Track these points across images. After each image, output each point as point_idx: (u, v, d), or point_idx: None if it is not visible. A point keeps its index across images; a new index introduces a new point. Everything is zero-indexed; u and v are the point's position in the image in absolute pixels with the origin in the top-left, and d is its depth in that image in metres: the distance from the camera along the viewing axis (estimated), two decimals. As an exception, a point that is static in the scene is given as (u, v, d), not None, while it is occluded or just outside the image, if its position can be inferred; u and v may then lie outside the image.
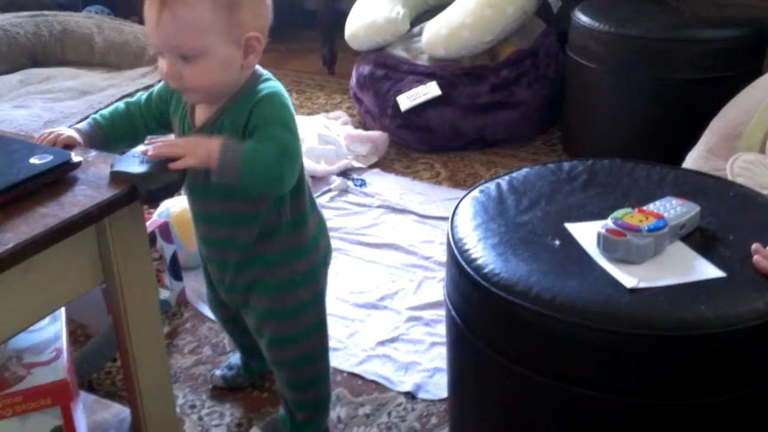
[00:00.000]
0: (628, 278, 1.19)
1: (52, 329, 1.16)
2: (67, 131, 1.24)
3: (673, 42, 2.35)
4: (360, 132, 2.73)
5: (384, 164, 2.63)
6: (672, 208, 1.31)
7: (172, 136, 1.35)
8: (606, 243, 1.24)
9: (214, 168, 1.13)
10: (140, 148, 1.15)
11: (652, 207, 1.30)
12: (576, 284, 1.19)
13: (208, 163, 1.13)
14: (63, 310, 1.20)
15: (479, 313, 1.26)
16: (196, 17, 1.11)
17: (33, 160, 1.09)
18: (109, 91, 2.67)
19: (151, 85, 2.68)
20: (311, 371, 1.43)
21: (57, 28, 3.02)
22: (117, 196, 1.08)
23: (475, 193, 1.46)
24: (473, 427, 1.37)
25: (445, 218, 2.20)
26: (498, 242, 1.30)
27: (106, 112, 1.32)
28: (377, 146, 2.67)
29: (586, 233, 1.30)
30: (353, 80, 2.95)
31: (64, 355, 1.11)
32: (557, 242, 1.29)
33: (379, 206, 2.37)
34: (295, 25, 3.82)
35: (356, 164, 2.59)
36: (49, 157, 1.10)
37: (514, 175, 1.51)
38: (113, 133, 1.29)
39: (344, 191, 2.44)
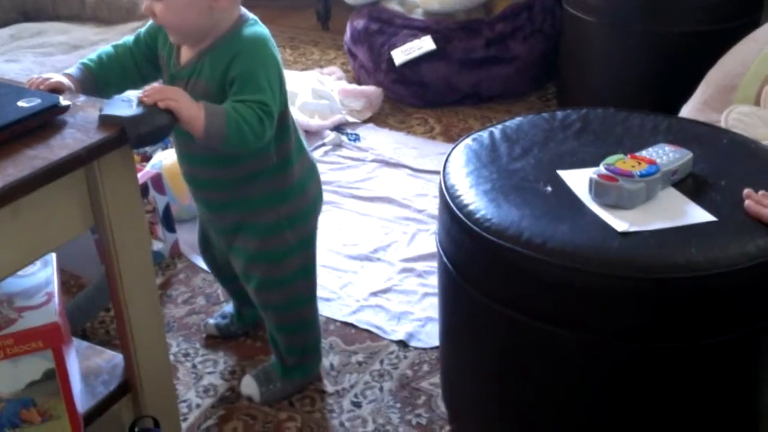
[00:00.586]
0: (619, 222, 1.19)
1: (43, 274, 1.15)
2: (57, 76, 1.23)
3: (671, -6, 2.33)
4: (354, 87, 2.71)
5: (378, 119, 2.61)
6: (665, 155, 1.30)
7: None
8: (598, 188, 1.24)
9: (200, 135, 1.14)
10: (130, 92, 1.15)
11: (644, 153, 1.30)
12: (567, 229, 1.19)
13: (192, 128, 1.13)
14: (54, 256, 1.20)
15: (471, 258, 1.27)
16: None
17: (21, 103, 1.08)
18: (100, 46, 2.61)
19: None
20: (297, 316, 1.45)
21: (47, -18, 2.97)
22: (106, 139, 1.07)
23: (468, 141, 1.45)
24: (465, 373, 1.38)
25: (438, 172, 2.19)
26: (490, 188, 1.30)
27: (94, 55, 1.32)
28: (371, 101, 2.66)
29: (578, 180, 1.30)
30: (347, 35, 2.92)
31: (56, 299, 1.11)
32: (549, 188, 1.29)
33: (372, 160, 2.36)
34: (288, -20, 3.77)
35: (350, 119, 2.58)
36: (37, 101, 1.09)
37: (507, 123, 1.50)
38: (104, 77, 1.29)
39: (338, 146, 2.43)
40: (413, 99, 2.72)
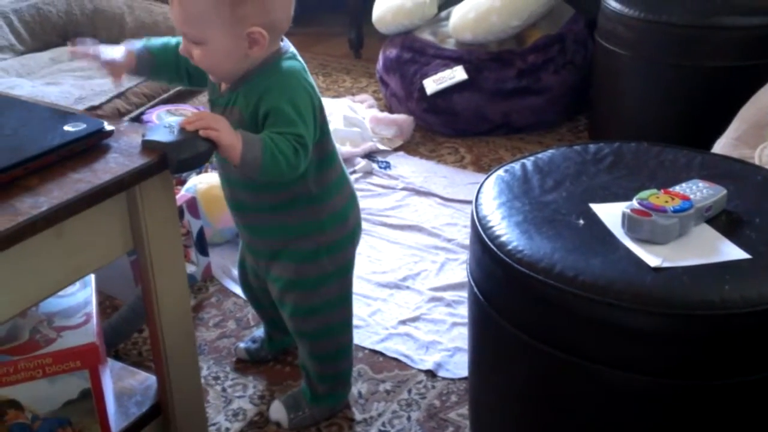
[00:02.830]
0: (652, 258, 1.19)
1: (82, 295, 1.18)
2: (115, 52, 1.31)
3: (704, 29, 2.32)
4: (385, 115, 2.74)
5: (409, 147, 2.63)
6: (698, 191, 1.30)
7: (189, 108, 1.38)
8: (631, 223, 1.24)
9: (236, 163, 1.17)
10: (172, 119, 1.18)
11: (678, 189, 1.30)
12: (599, 263, 1.19)
13: (230, 156, 1.15)
14: (93, 277, 1.22)
15: (502, 290, 1.27)
16: (198, 11, 1.17)
17: (67, 128, 1.11)
18: (138, 70, 2.70)
19: (180, 65, 2.72)
20: (333, 344, 1.45)
21: (88, 8, 3.05)
22: (148, 164, 1.10)
23: (500, 172, 1.46)
24: (493, 405, 1.38)
25: (468, 202, 2.20)
26: (522, 220, 1.30)
27: (158, 42, 1.36)
28: (402, 129, 2.68)
29: (610, 214, 1.30)
30: (380, 63, 2.95)
31: (94, 320, 1.13)
32: (581, 222, 1.29)
33: (403, 188, 2.38)
34: (322, 8, 3.83)
35: (381, 147, 2.60)
36: (82, 125, 1.12)
37: (539, 155, 1.51)
38: (160, 65, 1.34)
39: (369, 173, 2.45)
40: (444, 128, 2.74)
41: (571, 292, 1.15)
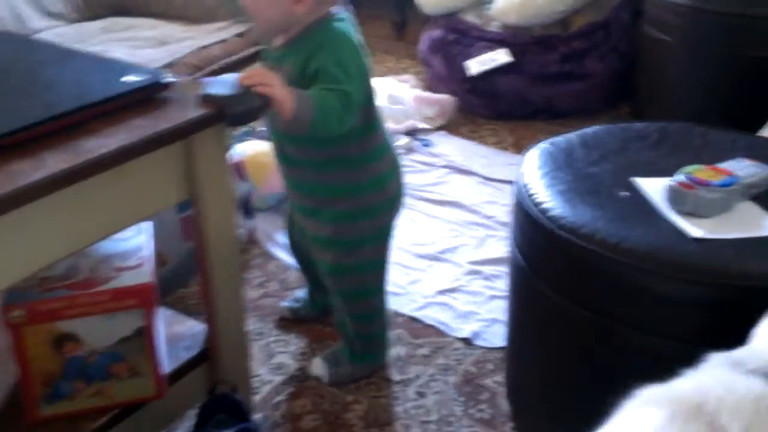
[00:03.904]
0: (694, 229, 1.20)
1: (139, 240, 1.22)
2: None
3: (752, 18, 2.31)
4: (428, 94, 2.76)
5: (450, 127, 2.66)
6: (743, 168, 1.31)
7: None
8: (675, 195, 1.25)
9: (288, 117, 1.21)
10: (229, 74, 1.22)
11: (723, 165, 1.31)
12: (641, 232, 1.20)
13: (282, 111, 1.19)
14: (151, 225, 1.27)
15: (543, 255, 1.29)
16: None
17: (128, 78, 1.15)
18: (186, 43, 2.75)
19: (226, 39, 2.76)
20: (365, 305, 1.50)
21: (141, -21, 3.11)
22: (205, 115, 1.14)
23: (545, 144, 1.48)
24: (530, 371, 1.40)
25: (508, 182, 2.22)
26: (565, 189, 1.32)
27: None
28: (444, 109, 2.70)
29: (654, 187, 1.31)
30: (423, 44, 2.97)
31: (150, 263, 1.18)
32: (625, 193, 1.31)
33: (443, 166, 2.40)
34: (368, -10, 3.86)
35: (423, 125, 2.62)
36: (144, 76, 1.16)
37: (584, 131, 1.53)
38: None
39: (410, 150, 2.48)
40: (485, 110, 2.76)
41: (612, 258, 1.17)
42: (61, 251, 1.04)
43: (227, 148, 1.25)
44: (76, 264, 1.15)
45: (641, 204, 1.28)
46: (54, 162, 0.97)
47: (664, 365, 1.20)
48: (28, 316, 1.09)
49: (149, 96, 1.16)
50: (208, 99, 1.16)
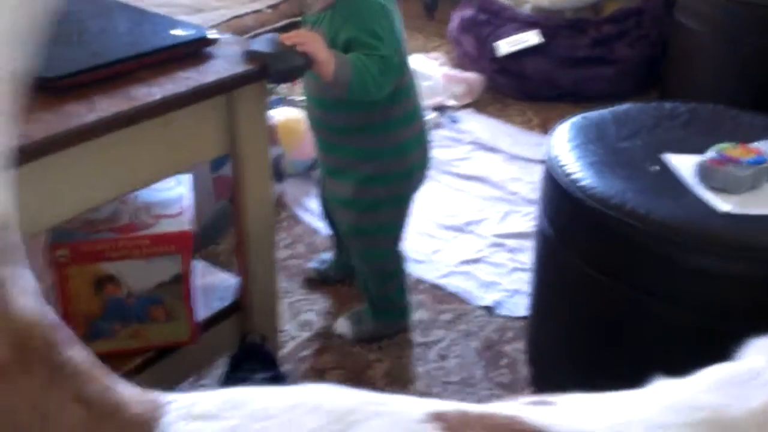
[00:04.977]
0: (723, 203, 1.22)
1: (178, 191, 1.26)
2: None
3: (787, 8, 2.31)
4: (457, 72, 2.78)
5: (477, 106, 2.67)
6: (774, 148, 1.32)
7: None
8: (705, 171, 1.27)
9: (328, 78, 1.23)
10: (273, 34, 1.24)
11: (754, 145, 1.32)
12: (671, 205, 1.22)
13: (322, 72, 1.22)
14: (190, 177, 1.30)
15: (572, 224, 1.31)
16: None
17: (176, 32, 1.18)
18: (220, 11, 2.78)
19: (260, 10, 2.79)
20: (380, 267, 1.54)
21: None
22: (249, 71, 1.17)
23: (577, 118, 1.50)
24: (552, 339, 1.43)
25: (534, 160, 2.24)
26: (596, 161, 1.34)
27: None
28: (472, 88, 2.71)
29: (684, 164, 1.33)
30: (454, 23, 2.98)
31: (189, 212, 1.21)
32: (655, 168, 1.33)
33: (470, 142, 2.42)
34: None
35: (451, 102, 2.64)
36: (190, 30, 1.19)
37: (616, 108, 1.54)
38: None
39: (437, 125, 2.50)
40: (514, 91, 2.77)
41: (641, 229, 1.19)
42: (109, 194, 1.07)
43: (267, 107, 1.28)
44: (118, 209, 1.19)
45: (671, 179, 1.30)
46: (106, 106, 1.01)
47: (689, 336, 1.23)
48: (73, 256, 1.13)
49: (196, 50, 1.19)
50: (251, 55, 1.19)
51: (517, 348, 1.57)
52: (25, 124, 0.94)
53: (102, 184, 1.05)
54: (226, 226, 1.79)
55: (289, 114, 2.06)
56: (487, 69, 2.78)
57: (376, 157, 1.44)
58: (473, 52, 2.85)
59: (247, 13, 2.76)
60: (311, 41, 1.23)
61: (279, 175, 1.96)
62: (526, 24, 2.75)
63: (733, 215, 1.20)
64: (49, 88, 1.00)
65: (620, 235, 1.22)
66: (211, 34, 1.22)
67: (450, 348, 1.57)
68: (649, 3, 2.81)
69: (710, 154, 1.28)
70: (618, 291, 1.25)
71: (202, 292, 1.30)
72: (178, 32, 1.19)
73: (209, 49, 1.21)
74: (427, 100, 2.57)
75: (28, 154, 0.91)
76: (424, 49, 3.15)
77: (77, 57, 1.07)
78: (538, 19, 2.75)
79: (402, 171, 1.47)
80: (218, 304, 1.31)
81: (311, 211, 1.97)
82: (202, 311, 1.27)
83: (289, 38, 1.22)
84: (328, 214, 1.64)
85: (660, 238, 1.18)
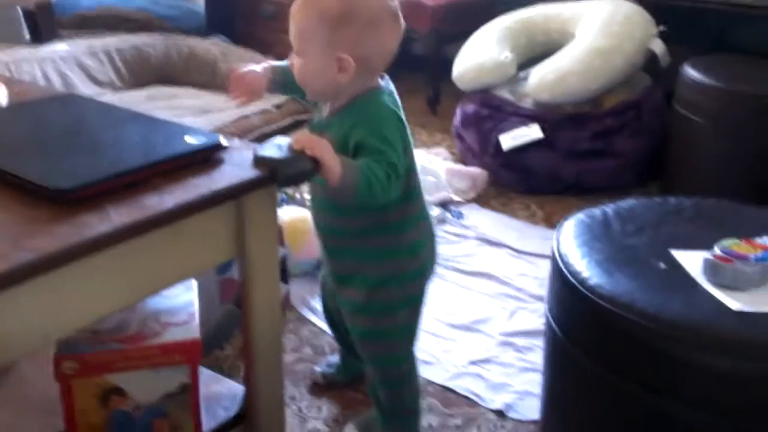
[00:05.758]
0: (733, 302, 1.21)
1: (186, 297, 1.25)
2: (258, 69, 1.45)
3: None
4: (460, 167, 2.81)
5: (481, 200, 2.69)
6: (780, 243, 1.33)
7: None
8: (712, 268, 1.27)
9: (335, 184, 1.24)
10: (281, 138, 1.27)
11: (760, 240, 1.33)
12: (681, 303, 1.22)
13: (329, 177, 1.23)
14: (196, 283, 1.30)
15: (581, 324, 1.31)
16: (304, 26, 1.30)
17: (188, 139, 1.21)
18: (227, 112, 2.84)
19: (267, 109, 2.85)
20: (396, 372, 1.50)
21: (185, 52, 3.24)
22: (258, 176, 1.18)
23: (581, 215, 1.51)
24: (565, 442, 1.40)
25: (540, 255, 2.24)
26: (603, 259, 1.34)
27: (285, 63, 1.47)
28: (476, 182, 2.75)
29: (691, 260, 1.33)
30: (457, 118, 3.04)
31: (197, 319, 1.21)
32: (662, 265, 1.33)
33: (475, 238, 2.43)
34: (403, 67, 3.96)
35: (455, 197, 2.67)
36: (202, 138, 1.22)
37: (619, 204, 1.56)
38: (290, 81, 1.43)
39: (442, 221, 2.52)
40: (517, 184, 2.80)
41: (652, 328, 1.18)
42: (118, 303, 1.07)
43: (276, 211, 1.29)
44: (125, 317, 1.18)
45: (679, 276, 1.30)
46: (118, 216, 1.02)
47: (705, 438, 1.20)
48: (80, 368, 1.12)
49: (208, 156, 1.21)
50: (260, 161, 1.21)
51: (530, 452, 1.53)
52: (37, 237, 0.95)
53: (112, 294, 1.05)
54: (232, 330, 1.78)
55: (294, 213, 2.07)
56: (489, 163, 2.82)
57: (390, 257, 1.43)
58: (476, 146, 2.89)
59: (254, 113, 2.82)
60: (319, 146, 1.24)
61: (284, 275, 1.96)
62: (527, 118, 2.80)
63: (745, 313, 1.19)
64: (62, 200, 1.02)
65: (630, 336, 1.21)
66: (223, 140, 1.25)
67: (462, 454, 1.53)
68: (648, 96, 2.87)
69: (716, 250, 1.29)
70: (630, 391, 1.23)
71: (206, 401, 1.28)
72: (190, 139, 1.21)
73: (221, 155, 1.24)
74: (431, 196, 2.60)
75: (39, 267, 0.92)
76: (427, 145, 3.20)
77: (92, 167, 1.08)
78: (539, 113, 2.80)
79: (416, 269, 1.46)
80: (223, 414, 1.28)
81: (318, 312, 1.96)
82: (206, 421, 1.25)
83: (298, 142, 1.23)
84: (331, 318, 1.62)
85: (672, 339, 1.17)
